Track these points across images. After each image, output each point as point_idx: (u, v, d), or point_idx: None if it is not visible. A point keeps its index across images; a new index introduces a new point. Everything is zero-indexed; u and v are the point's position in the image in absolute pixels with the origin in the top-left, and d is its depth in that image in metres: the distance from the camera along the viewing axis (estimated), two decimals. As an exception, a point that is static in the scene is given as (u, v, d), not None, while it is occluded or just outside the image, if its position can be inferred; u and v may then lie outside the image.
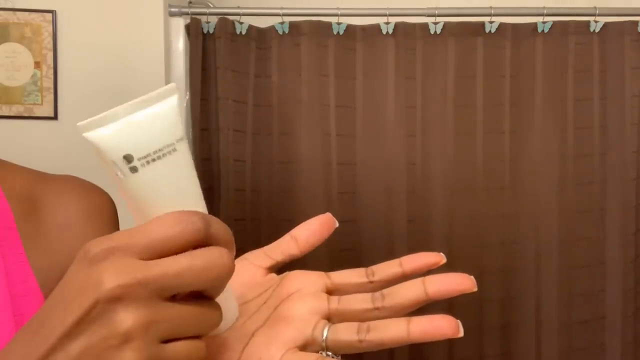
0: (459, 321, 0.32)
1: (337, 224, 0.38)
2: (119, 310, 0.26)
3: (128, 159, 0.28)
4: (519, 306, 1.75)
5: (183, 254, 0.28)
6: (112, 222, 0.59)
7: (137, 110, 0.29)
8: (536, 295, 1.74)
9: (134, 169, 0.28)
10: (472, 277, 0.33)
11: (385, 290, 0.35)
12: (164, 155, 0.29)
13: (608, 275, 1.75)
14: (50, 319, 0.28)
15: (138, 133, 0.29)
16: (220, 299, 0.31)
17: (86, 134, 0.29)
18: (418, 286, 0.34)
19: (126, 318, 0.26)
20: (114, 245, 0.27)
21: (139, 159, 0.28)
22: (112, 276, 0.26)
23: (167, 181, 0.29)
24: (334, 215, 0.39)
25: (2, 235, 0.51)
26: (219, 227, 0.30)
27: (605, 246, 1.75)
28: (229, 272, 0.29)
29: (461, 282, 0.33)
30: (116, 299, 0.26)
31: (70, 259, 0.56)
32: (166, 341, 0.28)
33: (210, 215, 0.30)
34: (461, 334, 0.32)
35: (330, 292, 0.36)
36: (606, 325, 1.76)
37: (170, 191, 0.30)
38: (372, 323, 0.33)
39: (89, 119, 0.29)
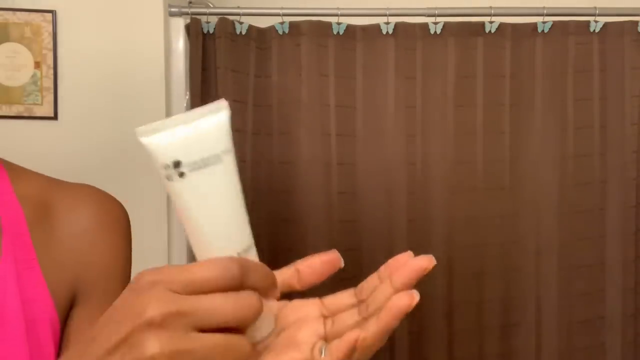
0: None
1: (342, 264, 0.40)
2: (151, 337, 0.29)
3: (177, 164, 0.32)
4: (519, 306, 1.75)
5: (219, 293, 0.31)
6: (125, 233, 0.61)
7: (189, 120, 0.32)
8: (536, 295, 1.74)
9: (182, 175, 0.32)
10: (429, 255, 0.36)
11: (368, 300, 0.38)
12: (210, 164, 0.32)
13: (608, 275, 1.75)
14: (99, 337, 0.31)
15: (188, 142, 0.32)
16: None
17: (142, 139, 0.32)
18: (387, 288, 0.36)
19: (154, 345, 0.29)
20: (160, 278, 0.31)
21: (186, 165, 0.32)
22: (153, 305, 0.30)
23: (212, 188, 0.33)
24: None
25: (14, 240, 0.52)
26: (256, 275, 0.33)
27: (605, 246, 1.75)
28: (256, 314, 0.32)
29: (420, 267, 0.35)
30: (152, 325, 0.29)
31: (81, 267, 0.57)
32: None
33: (250, 261, 0.33)
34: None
35: (325, 317, 0.39)
36: (606, 325, 1.76)
37: (214, 198, 0.33)
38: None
39: (147, 126, 0.32)
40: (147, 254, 0.64)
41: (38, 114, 1.54)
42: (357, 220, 1.68)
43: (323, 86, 1.68)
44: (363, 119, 1.70)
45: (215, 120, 0.33)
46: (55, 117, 1.55)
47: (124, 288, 0.60)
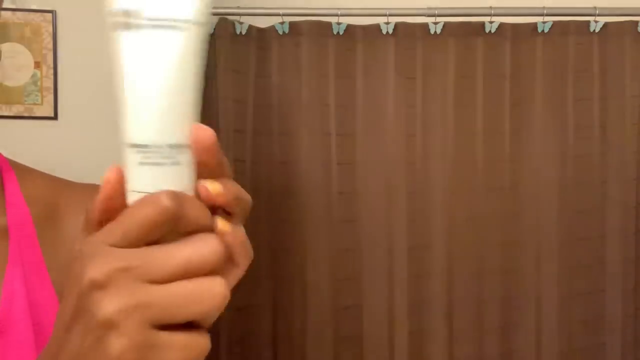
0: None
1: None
2: (100, 298, 0.26)
3: (135, 14, 0.28)
4: (519, 306, 1.75)
5: (176, 282, 0.27)
6: None
7: None
8: (536, 295, 1.74)
9: (138, 27, 0.28)
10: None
11: None
12: (171, 27, 0.28)
13: (608, 275, 1.75)
14: (58, 317, 0.29)
15: None
16: None
17: None
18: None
19: (107, 304, 0.26)
20: (95, 239, 0.28)
21: (145, 18, 0.28)
22: (93, 265, 0.27)
23: (163, 53, 0.28)
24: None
25: (21, 241, 0.51)
26: (193, 206, 0.28)
27: (605, 246, 1.75)
28: (223, 302, 0.28)
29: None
30: (97, 287, 0.26)
31: None
32: (161, 329, 0.27)
33: (181, 193, 0.28)
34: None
35: None
36: (606, 325, 1.76)
37: (161, 67, 0.28)
38: None
39: None
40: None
41: (38, 114, 1.54)
42: (357, 220, 1.68)
43: (323, 86, 1.68)
44: (363, 119, 1.70)
45: None
46: (55, 117, 1.55)
47: None
